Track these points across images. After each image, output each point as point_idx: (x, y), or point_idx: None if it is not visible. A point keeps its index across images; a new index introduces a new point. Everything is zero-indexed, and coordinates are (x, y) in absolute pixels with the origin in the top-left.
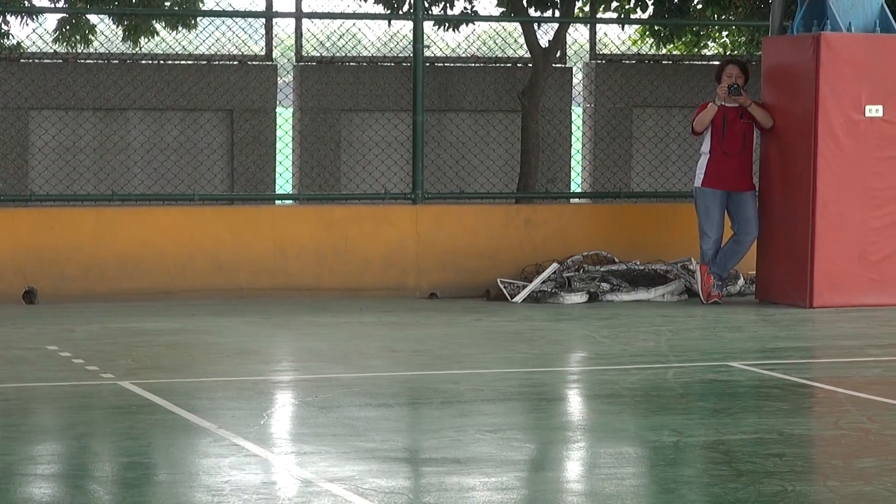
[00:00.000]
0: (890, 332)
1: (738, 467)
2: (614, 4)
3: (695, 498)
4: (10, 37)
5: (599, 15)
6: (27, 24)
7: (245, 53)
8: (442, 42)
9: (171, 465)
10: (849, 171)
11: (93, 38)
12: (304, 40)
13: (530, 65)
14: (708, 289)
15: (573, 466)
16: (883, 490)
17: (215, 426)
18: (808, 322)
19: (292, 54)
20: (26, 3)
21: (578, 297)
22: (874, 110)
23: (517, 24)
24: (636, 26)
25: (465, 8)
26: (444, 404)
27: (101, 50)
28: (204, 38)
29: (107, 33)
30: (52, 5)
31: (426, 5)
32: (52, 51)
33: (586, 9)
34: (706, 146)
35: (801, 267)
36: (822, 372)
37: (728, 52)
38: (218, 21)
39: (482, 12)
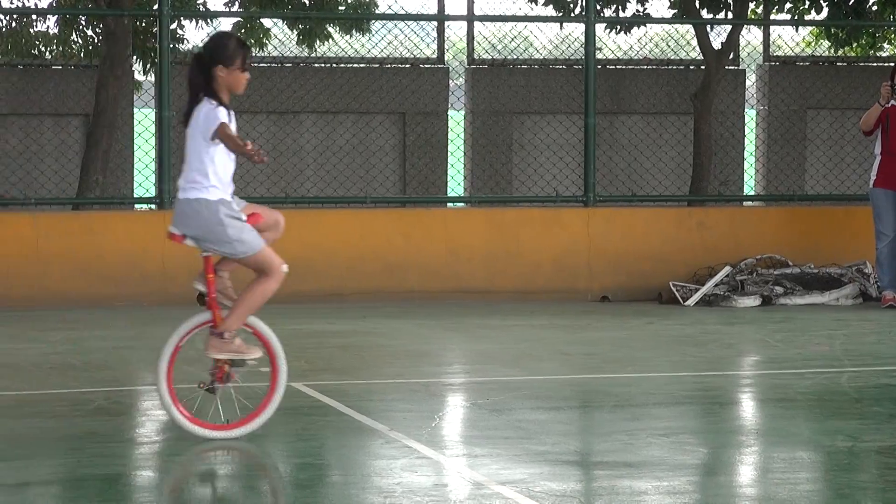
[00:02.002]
0: None
1: None
2: (788, 6)
3: None
4: (186, 41)
5: (773, 16)
6: (202, 29)
7: (417, 56)
8: (613, 44)
9: (343, 466)
10: None
11: (267, 41)
12: (475, 43)
13: (703, 67)
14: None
15: (746, 471)
16: None
17: (387, 428)
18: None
19: (464, 57)
20: (201, 7)
21: (751, 301)
22: None
23: (689, 26)
24: (811, 28)
25: (637, 10)
26: (616, 408)
27: (275, 53)
28: (376, 42)
29: (280, 37)
30: (228, 9)
31: (598, 7)
32: None
33: (759, 10)
34: (878, 148)
35: None
36: None
37: None
38: (390, 24)
39: (654, 14)
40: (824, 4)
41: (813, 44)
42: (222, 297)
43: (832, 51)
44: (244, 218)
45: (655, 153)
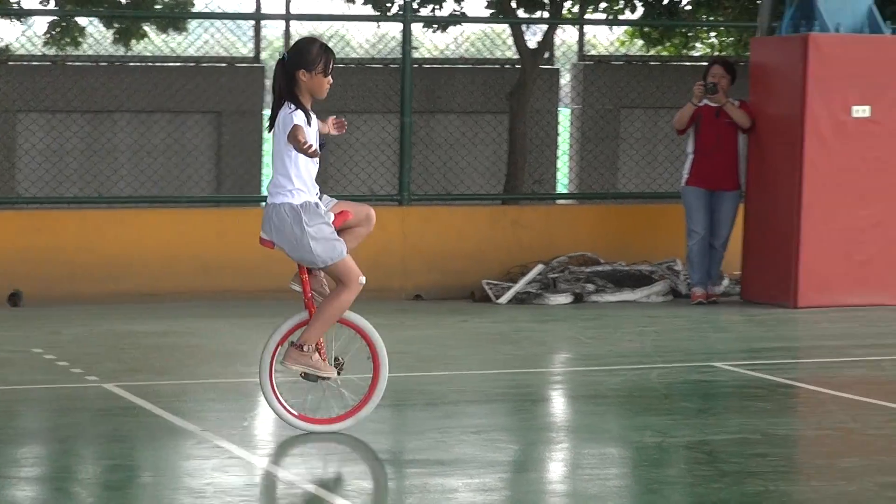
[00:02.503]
0: (874, 332)
1: (722, 467)
2: (603, 5)
3: (678, 498)
4: (0, 39)
5: (588, 16)
6: (16, 27)
7: (233, 55)
8: (430, 43)
9: (154, 467)
10: (835, 172)
11: (82, 40)
12: (292, 42)
13: (518, 66)
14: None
15: (556, 467)
16: (866, 490)
17: (199, 428)
18: (792, 322)
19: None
20: (15, 5)
21: (563, 298)
22: (861, 111)
23: (506, 26)
24: (625, 27)
25: (454, 9)
26: (429, 406)
27: (90, 52)
28: (193, 41)
29: (96, 36)
30: (42, 7)
31: (415, 7)
32: (40, 53)
33: (575, 10)
34: (690, 146)
35: (786, 267)
36: (806, 372)
37: (716, 53)
38: (207, 23)
39: (470, 13)
40: (638, 4)
41: (627, 43)
42: (318, 297)
43: (646, 50)
44: (331, 219)
45: (471, 152)
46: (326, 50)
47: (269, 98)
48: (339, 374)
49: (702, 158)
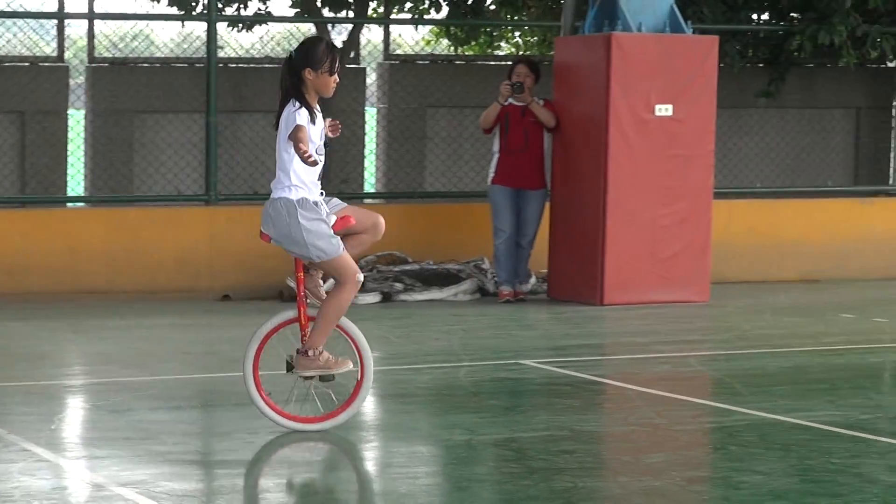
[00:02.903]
0: (678, 329)
1: (530, 464)
2: (408, 5)
3: (487, 496)
4: None
5: (393, 16)
6: None
7: (37, 55)
8: (236, 43)
9: None
10: (639, 170)
11: None
12: (96, 41)
13: None
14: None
15: (366, 466)
16: (672, 485)
17: (5, 431)
18: (598, 319)
19: (84, 55)
20: None
21: (372, 298)
22: (664, 109)
23: (311, 25)
24: (430, 27)
25: (259, 8)
26: (237, 406)
27: None
28: None
29: None
30: None
31: (220, 6)
32: None
33: (380, 9)
34: (496, 145)
35: (591, 265)
36: (612, 369)
37: (520, 53)
38: (9, 22)
39: (276, 13)
40: (443, 4)
41: (432, 43)
42: (311, 297)
43: (451, 49)
44: (331, 221)
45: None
46: (332, 49)
47: (73, 97)
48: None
49: (508, 157)
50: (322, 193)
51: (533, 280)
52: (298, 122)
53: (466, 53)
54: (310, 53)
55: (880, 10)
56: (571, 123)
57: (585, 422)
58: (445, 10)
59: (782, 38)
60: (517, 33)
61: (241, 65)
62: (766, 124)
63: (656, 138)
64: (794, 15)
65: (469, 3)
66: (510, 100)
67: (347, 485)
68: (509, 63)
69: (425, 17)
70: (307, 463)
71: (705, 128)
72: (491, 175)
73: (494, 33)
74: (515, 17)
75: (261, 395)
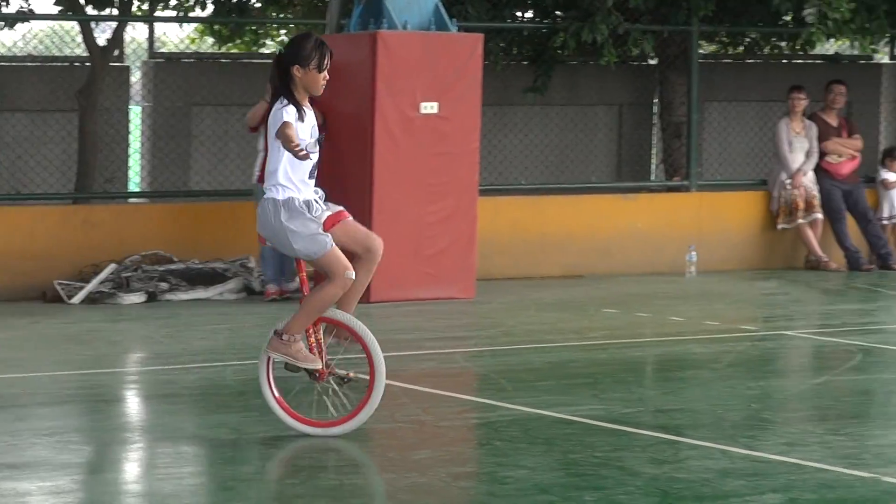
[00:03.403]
0: (445, 325)
1: (297, 463)
2: (173, 3)
3: (253, 495)
4: None
5: (158, 13)
6: None
7: None
8: None
9: None
10: (405, 167)
11: None
12: None
13: (88, 64)
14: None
15: (131, 467)
16: (437, 481)
17: None
18: (365, 317)
19: None
20: None
21: (137, 298)
22: (429, 107)
23: (75, 23)
24: (195, 25)
25: (22, 6)
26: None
27: None
28: None
29: None
30: None
31: None
32: None
33: (145, 7)
34: (262, 144)
35: None
36: None
37: None
38: None
39: (39, 10)
40: (209, 2)
41: (197, 41)
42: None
43: (216, 48)
44: (322, 217)
45: (40, 151)
46: (322, 46)
47: None
48: (346, 382)
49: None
50: (317, 192)
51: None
52: (285, 118)
53: (232, 52)
54: (298, 50)
55: (641, 9)
56: (338, 121)
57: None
58: (210, 7)
59: (546, 36)
60: (283, 31)
61: (2, 63)
62: (530, 121)
63: (422, 136)
64: (558, 13)
65: (234, 0)
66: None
67: (112, 486)
68: (269, 61)
69: (190, 14)
70: (70, 465)
71: (471, 125)
72: (256, 173)
73: (260, 31)
74: (281, 15)
75: (273, 395)
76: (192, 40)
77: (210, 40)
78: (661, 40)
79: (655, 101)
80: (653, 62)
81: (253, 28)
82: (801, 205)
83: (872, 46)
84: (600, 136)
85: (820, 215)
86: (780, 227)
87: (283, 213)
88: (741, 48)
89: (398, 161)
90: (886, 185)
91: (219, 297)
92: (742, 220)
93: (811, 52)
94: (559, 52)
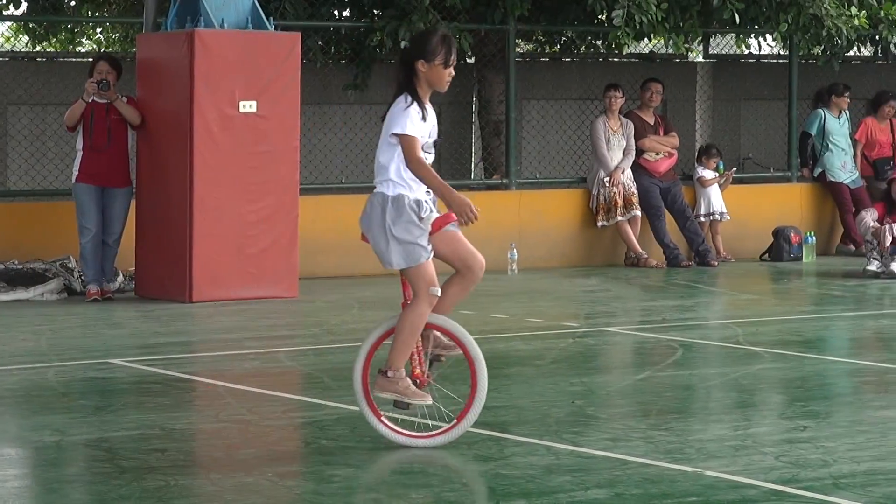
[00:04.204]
0: (267, 325)
1: (121, 464)
2: None
3: (78, 497)
4: None
5: None
6: None
7: None
8: None
9: None
10: (224, 166)
11: None
12: None
13: None
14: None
15: None
16: (263, 480)
17: None
18: (187, 317)
19: None
20: None
21: None
22: (248, 106)
23: None
24: (10, 23)
25: None
26: None
27: None
28: None
29: None
30: None
31: None
32: None
33: None
34: (80, 143)
35: (180, 262)
36: (202, 366)
37: (102, 49)
38: None
39: None
40: (24, 0)
41: (12, 39)
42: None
43: (32, 46)
44: (430, 219)
45: None
46: (447, 40)
47: None
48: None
49: (92, 155)
50: (429, 192)
51: (120, 278)
52: (409, 132)
53: (47, 50)
54: (423, 44)
55: (458, 7)
56: (156, 120)
57: (176, 420)
58: (25, 5)
59: (364, 35)
60: (99, 30)
61: None
62: (350, 120)
63: (242, 135)
64: (376, 11)
65: None
66: (93, 97)
67: None
68: (91, 60)
69: (3, 13)
70: None
71: (290, 124)
72: (75, 173)
73: (76, 30)
74: (97, 14)
75: (370, 407)
76: (7, 39)
77: (25, 38)
78: (479, 39)
79: (474, 99)
80: (470, 61)
81: (68, 26)
82: (620, 202)
83: (687, 45)
84: None
85: (638, 212)
86: (599, 224)
87: (391, 211)
88: (558, 47)
89: (218, 160)
90: (703, 183)
91: (40, 298)
92: (562, 218)
93: (626, 52)
94: (377, 50)
